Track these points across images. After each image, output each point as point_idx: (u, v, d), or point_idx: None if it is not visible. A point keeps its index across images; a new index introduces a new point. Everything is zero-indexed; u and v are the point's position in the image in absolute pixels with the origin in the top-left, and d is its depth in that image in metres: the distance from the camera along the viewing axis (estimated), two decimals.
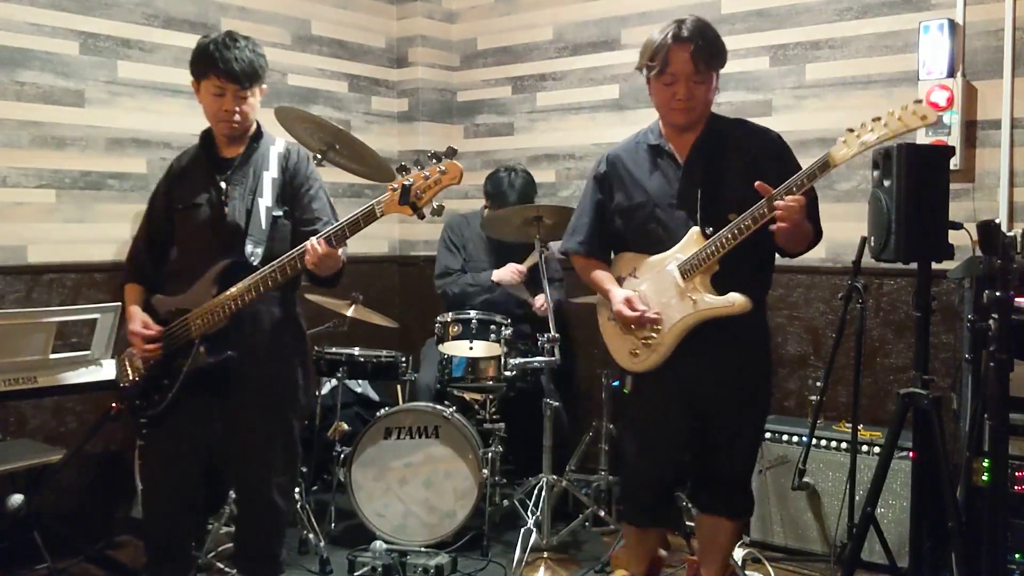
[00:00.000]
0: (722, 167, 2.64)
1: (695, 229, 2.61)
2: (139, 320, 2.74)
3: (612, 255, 2.89)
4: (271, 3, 4.53)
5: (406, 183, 2.47)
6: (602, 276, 2.81)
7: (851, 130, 2.40)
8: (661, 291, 2.66)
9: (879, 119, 2.35)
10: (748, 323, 2.62)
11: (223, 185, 2.75)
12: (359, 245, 4.89)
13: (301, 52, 4.68)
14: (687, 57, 2.53)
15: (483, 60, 5.12)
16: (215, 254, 2.71)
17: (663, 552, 3.14)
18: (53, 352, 3.33)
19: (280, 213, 2.78)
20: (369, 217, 2.56)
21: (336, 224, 2.60)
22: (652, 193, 2.70)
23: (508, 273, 4.15)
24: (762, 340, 2.80)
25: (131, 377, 2.80)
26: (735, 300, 2.57)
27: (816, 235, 2.64)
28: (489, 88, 5.10)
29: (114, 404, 2.80)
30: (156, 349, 2.71)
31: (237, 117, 2.70)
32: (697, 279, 2.59)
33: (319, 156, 3.60)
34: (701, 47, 2.53)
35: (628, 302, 2.67)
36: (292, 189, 2.81)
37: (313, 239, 2.58)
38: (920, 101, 2.33)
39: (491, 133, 5.09)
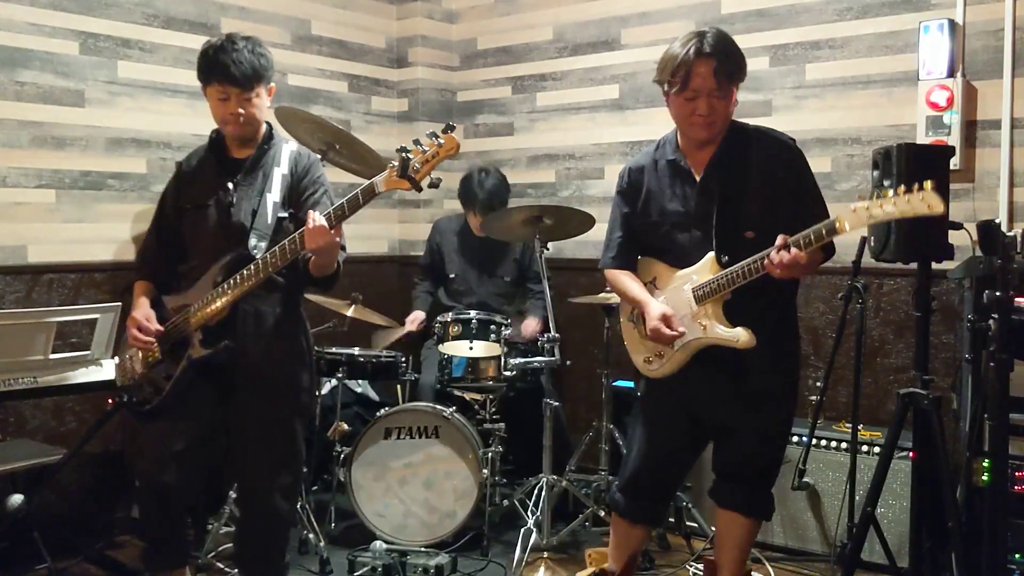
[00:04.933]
0: (739, 184, 2.61)
1: (711, 255, 2.60)
2: (143, 311, 2.74)
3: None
4: (271, 3, 4.53)
5: (407, 156, 2.50)
6: (633, 286, 2.79)
7: (863, 199, 2.35)
8: (676, 309, 2.67)
9: (891, 198, 2.30)
10: (768, 337, 2.60)
11: (230, 186, 2.75)
12: (359, 245, 4.92)
13: (301, 52, 4.68)
14: (709, 72, 2.49)
15: (483, 60, 5.12)
16: (221, 255, 2.71)
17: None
18: (53, 352, 3.33)
19: (286, 215, 2.78)
20: (369, 193, 2.55)
21: (336, 203, 2.59)
22: (669, 212, 2.69)
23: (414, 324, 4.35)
24: (783, 350, 2.74)
25: (129, 374, 2.82)
26: (739, 336, 2.56)
27: (828, 252, 2.64)
28: (489, 88, 5.10)
29: (111, 400, 2.82)
30: (148, 342, 2.71)
31: (243, 119, 2.71)
32: (709, 305, 2.60)
33: (319, 156, 3.60)
34: (724, 62, 2.50)
35: (666, 319, 2.65)
36: (299, 191, 2.81)
37: (312, 213, 2.55)
38: (933, 189, 2.24)
39: (491, 133, 5.09)
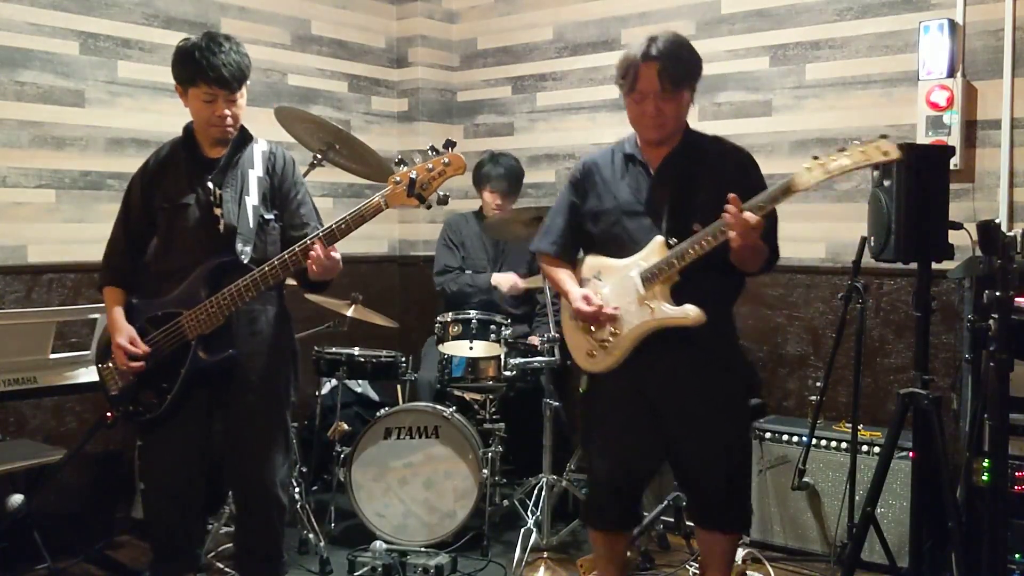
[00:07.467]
0: (693, 179, 2.64)
1: (659, 238, 2.61)
2: (126, 335, 2.67)
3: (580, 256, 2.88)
4: (271, 3, 4.53)
5: (412, 176, 2.52)
6: (563, 276, 2.82)
7: (816, 157, 2.37)
8: (621, 295, 2.66)
9: (844, 150, 2.34)
10: (710, 332, 2.59)
11: (210, 185, 2.70)
12: (359, 245, 4.92)
13: (301, 52, 4.68)
14: (654, 75, 2.53)
15: (483, 60, 5.12)
16: (205, 255, 2.68)
17: (628, 553, 3.11)
18: (53, 352, 3.33)
19: (271, 216, 2.76)
20: (375, 210, 2.57)
21: (340, 218, 2.59)
22: (620, 199, 2.71)
23: (507, 282, 4.16)
24: (727, 349, 2.76)
25: (119, 384, 2.75)
26: (689, 312, 2.55)
27: (771, 254, 2.61)
28: (489, 88, 5.10)
29: (109, 413, 2.76)
30: (139, 367, 2.66)
31: (229, 121, 2.68)
32: (657, 288, 2.59)
33: (319, 156, 3.60)
34: (669, 66, 2.53)
35: (586, 298, 2.67)
36: (281, 193, 2.79)
37: (316, 241, 2.56)
38: (886, 137, 2.31)
39: (491, 133, 5.09)
